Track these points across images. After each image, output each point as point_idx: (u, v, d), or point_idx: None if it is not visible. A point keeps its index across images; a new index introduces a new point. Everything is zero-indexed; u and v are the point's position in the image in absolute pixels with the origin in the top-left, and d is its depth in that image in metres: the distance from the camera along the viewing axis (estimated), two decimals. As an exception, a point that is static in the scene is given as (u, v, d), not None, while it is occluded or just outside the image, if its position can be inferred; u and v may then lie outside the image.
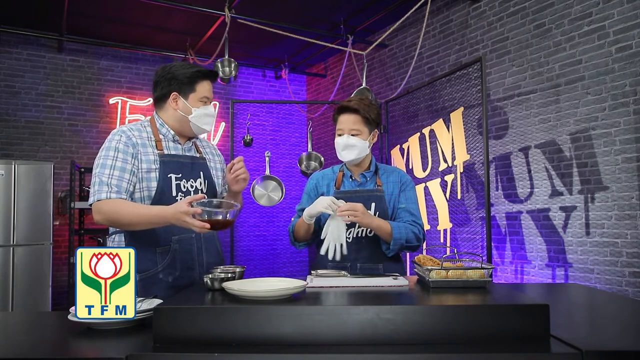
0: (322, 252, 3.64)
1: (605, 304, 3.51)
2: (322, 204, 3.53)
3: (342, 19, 9.49)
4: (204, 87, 3.59)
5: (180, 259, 3.52)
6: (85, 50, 10.68)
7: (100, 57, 10.83)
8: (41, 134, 10.12)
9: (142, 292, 3.29)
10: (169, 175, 3.50)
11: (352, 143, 3.72)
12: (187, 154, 3.69)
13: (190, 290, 3.03)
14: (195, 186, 3.63)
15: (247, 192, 9.13)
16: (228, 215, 3.19)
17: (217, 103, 11.74)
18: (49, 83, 10.28)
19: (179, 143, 3.67)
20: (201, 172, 3.70)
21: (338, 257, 3.59)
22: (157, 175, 3.47)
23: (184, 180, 3.57)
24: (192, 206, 3.08)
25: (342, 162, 3.95)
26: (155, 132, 3.62)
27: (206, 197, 3.28)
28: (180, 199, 3.48)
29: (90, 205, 3.40)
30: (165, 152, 3.57)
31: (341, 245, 3.60)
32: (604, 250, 6.16)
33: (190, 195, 3.54)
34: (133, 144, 3.46)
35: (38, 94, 10.16)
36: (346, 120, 3.73)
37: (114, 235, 3.57)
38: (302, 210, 3.89)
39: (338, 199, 3.68)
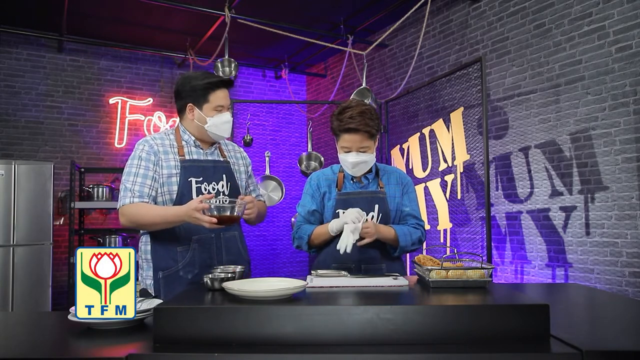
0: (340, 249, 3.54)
1: (605, 304, 3.51)
2: (352, 218, 3.50)
3: (342, 19, 9.48)
4: (217, 97, 3.72)
5: (199, 258, 3.69)
6: (85, 50, 10.67)
7: (100, 57, 10.83)
8: (41, 134, 10.12)
9: (164, 288, 3.59)
10: (189, 179, 3.68)
11: (363, 160, 3.69)
12: (209, 158, 3.86)
13: (190, 290, 3.04)
14: (217, 188, 3.77)
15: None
16: (235, 211, 3.32)
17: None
18: (49, 83, 10.28)
19: (201, 148, 3.85)
20: (224, 175, 3.84)
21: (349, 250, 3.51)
22: (178, 180, 3.66)
23: (205, 183, 3.72)
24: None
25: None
26: (179, 139, 3.82)
27: (226, 197, 3.65)
28: None
29: (117, 209, 3.67)
30: (187, 157, 3.76)
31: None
32: (604, 250, 6.16)
33: None
34: (155, 151, 3.69)
35: (38, 94, 10.16)
36: (352, 140, 3.66)
37: (142, 236, 3.81)
38: (310, 212, 3.90)
39: (341, 200, 3.71)
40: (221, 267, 3.26)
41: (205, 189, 3.71)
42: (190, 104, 3.76)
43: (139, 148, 3.71)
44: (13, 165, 8.31)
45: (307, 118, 12.22)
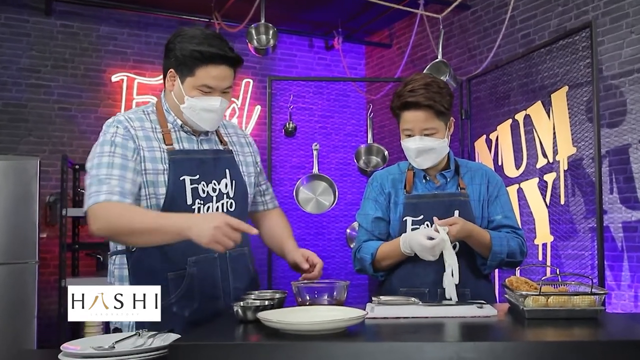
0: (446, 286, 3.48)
1: None
2: (423, 246, 3.42)
3: (412, -28, 9.46)
4: (206, 73, 3.35)
5: (199, 287, 3.40)
6: (80, 13, 10.64)
7: (100, 22, 10.82)
8: (24, 120, 10.13)
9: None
10: (181, 178, 3.38)
11: (428, 146, 3.64)
12: (206, 147, 3.59)
13: (216, 322, 3.04)
14: (219, 189, 3.50)
15: (289, 196, 9.08)
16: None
17: (251, 80, 11.63)
18: (34, 55, 10.28)
19: (193, 134, 3.56)
20: (227, 170, 3.57)
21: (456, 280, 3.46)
22: (166, 179, 3.37)
23: (202, 182, 3.44)
24: None
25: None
26: (163, 121, 3.52)
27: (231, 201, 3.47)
28: (199, 207, 3.42)
29: (85, 212, 3.26)
30: (176, 146, 3.47)
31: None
32: None
33: (212, 202, 3.46)
34: (133, 136, 3.36)
35: (20, 68, 10.16)
36: (414, 119, 3.62)
37: (115, 257, 3.48)
38: (374, 220, 3.85)
39: (410, 205, 3.69)
40: (256, 292, 3.22)
41: (204, 191, 3.43)
42: (172, 70, 3.45)
43: (109, 131, 3.36)
44: (-11, 161, 8.35)
45: (366, 100, 12.21)
